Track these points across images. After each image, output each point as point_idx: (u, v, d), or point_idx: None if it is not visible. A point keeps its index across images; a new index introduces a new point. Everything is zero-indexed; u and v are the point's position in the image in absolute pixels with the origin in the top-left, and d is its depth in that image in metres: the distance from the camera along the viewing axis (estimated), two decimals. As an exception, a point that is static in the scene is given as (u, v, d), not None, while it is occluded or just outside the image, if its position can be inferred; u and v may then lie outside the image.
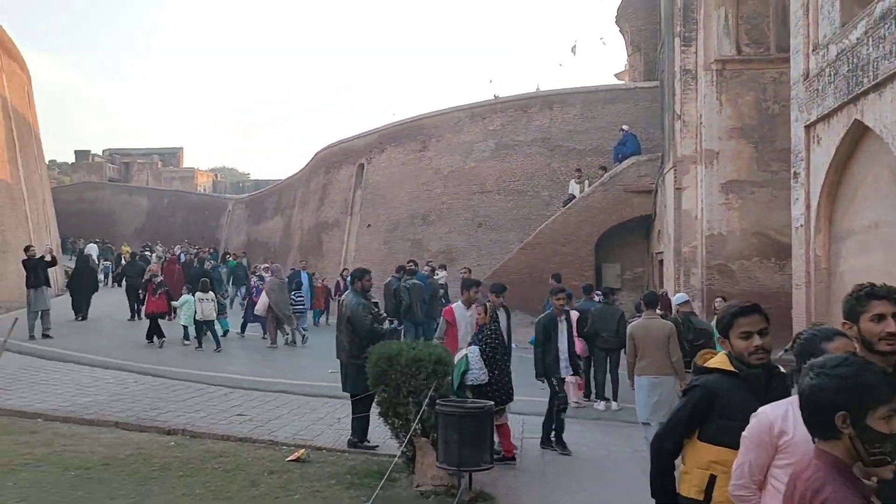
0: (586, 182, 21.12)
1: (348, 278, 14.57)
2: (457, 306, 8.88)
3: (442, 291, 17.41)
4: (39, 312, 16.59)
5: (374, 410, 7.60)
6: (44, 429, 8.33)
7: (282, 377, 12.71)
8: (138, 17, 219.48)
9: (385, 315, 9.11)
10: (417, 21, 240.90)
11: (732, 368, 3.27)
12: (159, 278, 17.64)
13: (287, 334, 17.07)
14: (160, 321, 16.46)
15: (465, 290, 8.92)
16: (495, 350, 8.03)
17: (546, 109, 22.81)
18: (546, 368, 8.72)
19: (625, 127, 20.72)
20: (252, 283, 20.82)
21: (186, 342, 16.23)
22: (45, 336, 16.13)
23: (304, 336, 17.26)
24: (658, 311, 9.32)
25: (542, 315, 9.29)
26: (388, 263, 24.99)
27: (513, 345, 9.05)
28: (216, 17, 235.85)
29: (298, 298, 18.19)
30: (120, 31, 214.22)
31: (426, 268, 18.05)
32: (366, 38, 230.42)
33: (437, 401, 6.89)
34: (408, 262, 17.77)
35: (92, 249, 39.32)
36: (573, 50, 71.78)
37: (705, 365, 3.43)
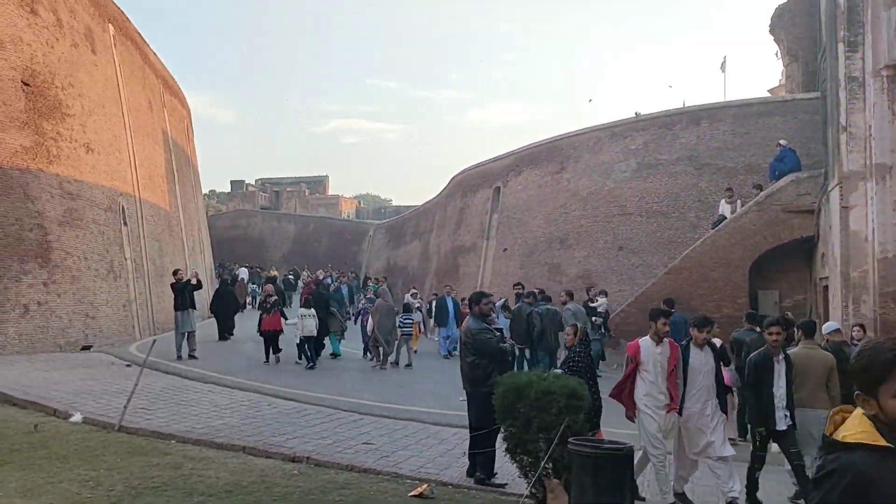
0: (738, 202, 19.66)
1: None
2: (644, 341, 7.86)
3: (600, 320, 16.77)
4: (186, 334, 17.30)
5: (500, 444, 6.98)
6: (175, 451, 8.30)
7: (413, 404, 12.34)
8: (293, 58, 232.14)
9: (507, 339, 8.51)
10: (555, 43, 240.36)
11: (885, 443, 2.24)
12: (273, 298, 18.27)
13: (381, 357, 17.30)
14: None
15: (653, 320, 7.80)
16: (578, 374, 7.29)
17: (692, 126, 21.52)
18: (761, 415, 7.73)
19: (782, 142, 19.14)
20: (360, 305, 21.00)
21: (298, 361, 16.78)
22: (190, 356, 16.76)
23: (409, 361, 17.73)
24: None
25: (755, 353, 8.19)
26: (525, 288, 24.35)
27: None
28: (351, 53, 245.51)
29: (407, 321, 18.30)
30: (278, 70, 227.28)
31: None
32: (502, 62, 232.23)
33: (570, 439, 6.19)
34: (538, 291, 17.06)
35: (243, 273, 41.29)
36: (722, 67, 68.60)
37: (843, 438, 2.33)
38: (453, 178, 33.44)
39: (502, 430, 6.78)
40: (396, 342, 17.63)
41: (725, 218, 19.41)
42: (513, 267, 26.05)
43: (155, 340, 12.57)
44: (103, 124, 21.98)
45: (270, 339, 17.15)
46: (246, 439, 8.82)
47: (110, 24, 23.89)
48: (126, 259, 22.76)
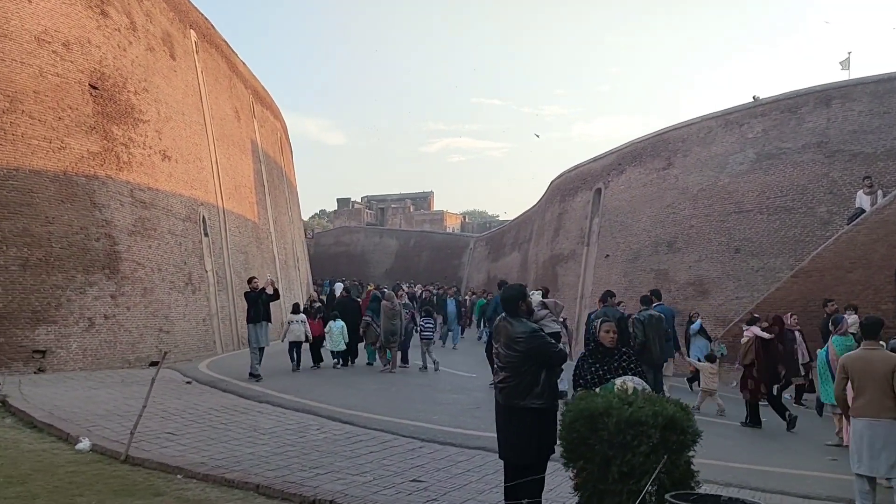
0: (879, 192, 16.75)
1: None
2: None
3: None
4: (261, 350, 15.42)
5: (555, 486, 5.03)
6: (173, 489, 6.77)
7: (486, 429, 10.43)
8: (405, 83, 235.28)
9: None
10: (662, 52, 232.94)
11: None
12: (317, 304, 18.62)
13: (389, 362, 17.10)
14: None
15: None
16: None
17: (822, 107, 18.71)
18: None
19: (932, 118, 16.21)
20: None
21: (337, 366, 17.17)
22: (251, 376, 14.84)
23: (435, 363, 17.51)
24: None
25: None
26: (629, 297, 22.05)
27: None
28: (451, 68, 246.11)
29: (427, 325, 18.08)
30: (387, 93, 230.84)
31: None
32: (608, 74, 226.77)
33: (669, 495, 4.19)
34: (650, 293, 14.83)
35: (338, 287, 40.51)
36: (845, 63, 63.38)
37: None
38: (552, 182, 31.37)
39: (570, 473, 4.83)
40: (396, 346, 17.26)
41: (864, 211, 16.55)
42: (615, 275, 23.73)
43: (167, 352, 11.06)
44: (182, 132, 21.30)
45: (312, 346, 17.26)
46: (265, 475, 7.19)
47: (192, 30, 23.35)
48: (207, 271, 21.96)
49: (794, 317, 14.17)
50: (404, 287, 42.87)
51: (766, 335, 12.60)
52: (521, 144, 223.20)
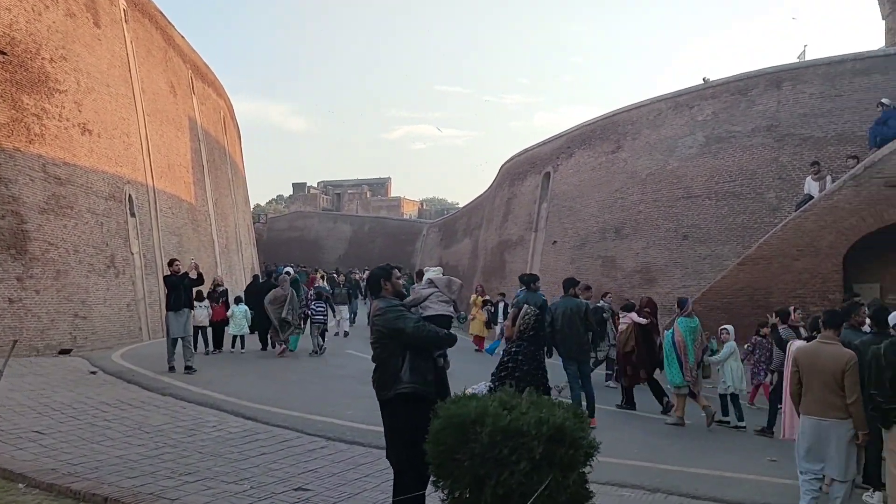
0: (828, 178, 16.23)
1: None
2: None
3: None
4: (179, 340, 14.01)
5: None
6: (5, 502, 5.75)
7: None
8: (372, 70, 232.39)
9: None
10: (624, 40, 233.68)
11: None
12: (222, 288, 18.13)
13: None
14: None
15: None
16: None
17: (772, 90, 18.12)
18: None
19: (885, 101, 15.62)
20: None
21: (233, 350, 16.93)
22: (187, 370, 13.45)
23: (322, 348, 17.33)
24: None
25: None
26: (575, 285, 21.33)
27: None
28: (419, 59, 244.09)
29: (319, 309, 17.52)
30: (350, 79, 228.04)
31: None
32: (571, 64, 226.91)
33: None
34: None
35: (282, 272, 39.23)
36: (800, 56, 63.65)
37: None
38: (502, 166, 30.55)
39: (440, 494, 3.96)
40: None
41: (812, 198, 16.02)
42: (563, 262, 23.03)
43: (17, 341, 9.87)
44: (107, 104, 19.95)
45: (216, 330, 17.08)
46: (120, 485, 6.20)
47: (120, -2, 21.94)
48: (133, 254, 20.69)
49: (799, 311, 12.51)
50: (358, 273, 41.81)
51: (642, 321, 12.49)
52: (483, 132, 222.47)
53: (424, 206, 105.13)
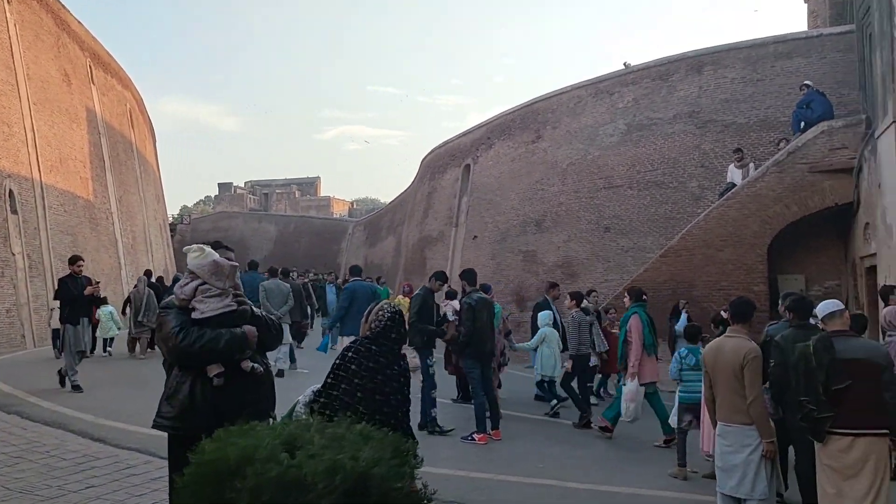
0: (751, 165, 15.55)
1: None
2: None
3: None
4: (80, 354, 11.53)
5: None
6: None
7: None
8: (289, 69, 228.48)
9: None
10: (557, 40, 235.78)
11: None
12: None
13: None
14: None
15: None
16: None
17: (693, 74, 17.38)
18: None
19: (808, 83, 15.00)
20: None
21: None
22: (74, 388, 11.14)
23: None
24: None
25: None
26: (496, 282, 20.31)
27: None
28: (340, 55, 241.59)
29: None
30: (283, 80, 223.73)
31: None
32: (503, 66, 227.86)
33: None
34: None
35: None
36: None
37: None
38: (423, 159, 29.37)
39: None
40: None
41: (735, 186, 15.30)
42: (483, 257, 21.97)
43: None
44: (-19, 90, 18.02)
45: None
46: None
47: (-5, -28, 19.90)
48: (14, 254, 18.74)
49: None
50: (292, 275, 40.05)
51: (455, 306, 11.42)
52: (417, 133, 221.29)
53: (355, 206, 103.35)
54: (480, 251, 22.17)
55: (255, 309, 4.21)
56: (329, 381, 3.72)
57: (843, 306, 5.36)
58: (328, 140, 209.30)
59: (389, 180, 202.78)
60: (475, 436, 8.76)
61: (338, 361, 3.80)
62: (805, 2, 19.46)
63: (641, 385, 9.21)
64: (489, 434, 8.95)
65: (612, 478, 7.84)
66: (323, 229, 57.43)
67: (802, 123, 14.70)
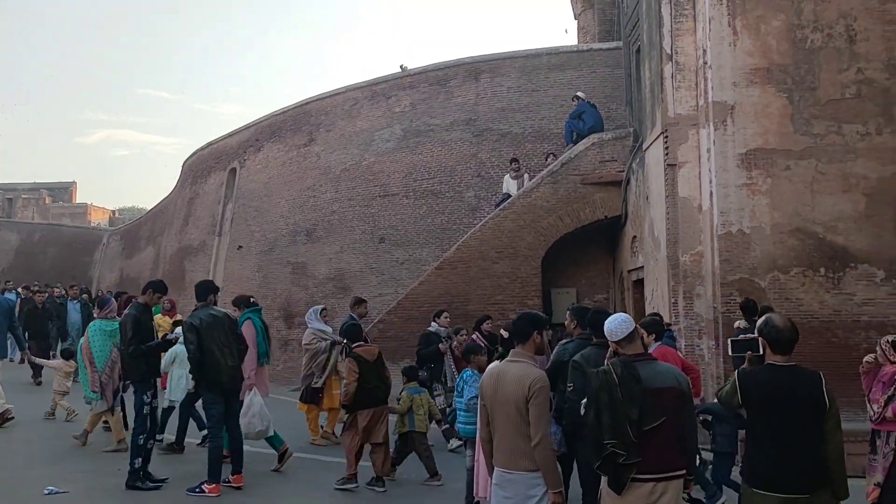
0: (526, 177, 15.29)
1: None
2: None
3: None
4: None
5: None
6: None
7: None
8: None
9: None
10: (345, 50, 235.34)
11: None
12: None
13: None
14: None
15: None
16: None
17: (471, 81, 16.93)
18: None
19: (580, 94, 15.01)
20: None
21: None
22: None
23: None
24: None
25: None
26: (262, 296, 18.57)
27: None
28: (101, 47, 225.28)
29: None
30: (40, 78, 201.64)
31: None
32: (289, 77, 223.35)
33: None
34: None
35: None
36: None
37: None
38: (185, 162, 26.80)
39: None
40: None
41: (510, 197, 14.94)
42: (249, 269, 20.10)
43: None
44: None
45: None
46: None
47: None
48: None
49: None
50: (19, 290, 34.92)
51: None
52: (196, 140, 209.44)
53: (117, 215, 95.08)
54: (245, 262, 20.28)
55: None
56: None
57: (634, 324, 4.52)
58: (92, 144, 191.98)
59: (161, 190, 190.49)
60: (205, 486, 7.14)
61: None
62: (576, 18, 19.86)
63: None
64: (228, 481, 7.37)
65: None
66: (73, 239, 51.54)
67: (574, 135, 14.65)
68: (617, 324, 4.37)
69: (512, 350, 4.67)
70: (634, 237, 13.43)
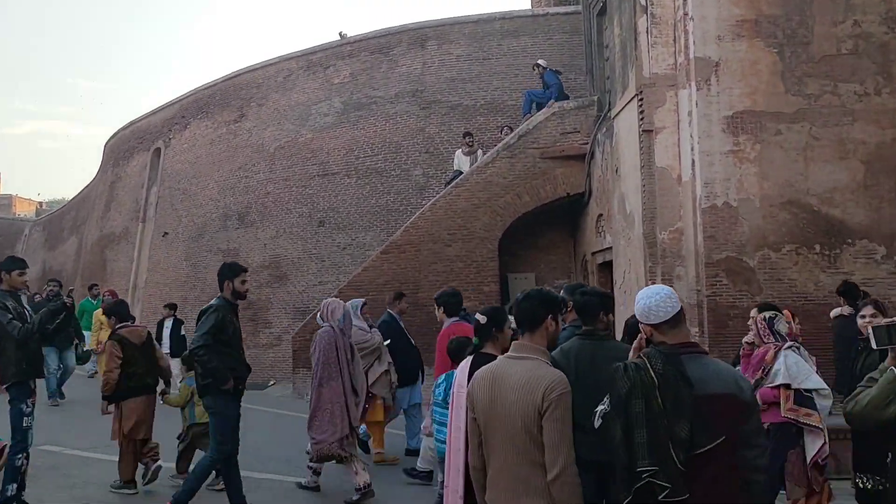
0: (479, 152, 13.94)
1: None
2: None
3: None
4: None
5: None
6: None
7: None
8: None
9: None
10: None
11: None
12: None
13: None
14: None
15: None
16: None
17: (416, 48, 15.47)
18: None
19: (542, 62, 13.69)
20: None
21: None
22: None
23: None
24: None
25: None
26: (191, 286, 16.93)
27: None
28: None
29: None
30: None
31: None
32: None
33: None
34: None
35: None
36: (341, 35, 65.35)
37: None
38: (106, 143, 24.69)
39: None
40: None
41: (463, 174, 13.56)
42: (176, 257, 18.30)
43: None
44: None
45: None
46: None
47: None
48: None
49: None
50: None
51: None
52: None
53: (45, 207, 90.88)
54: (173, 250, 18.47)
55: None
56: None
57: (679, 302, 3.15)
58: (21, 135, 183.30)
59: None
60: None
61: None
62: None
63: None
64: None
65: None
66: (-9, 231, 48.43)
67: (534, 105, 13.34)
68: (658, 300, 2.94)
69: (514, 342, 3.26)
70: (600, 215, 12.19)
